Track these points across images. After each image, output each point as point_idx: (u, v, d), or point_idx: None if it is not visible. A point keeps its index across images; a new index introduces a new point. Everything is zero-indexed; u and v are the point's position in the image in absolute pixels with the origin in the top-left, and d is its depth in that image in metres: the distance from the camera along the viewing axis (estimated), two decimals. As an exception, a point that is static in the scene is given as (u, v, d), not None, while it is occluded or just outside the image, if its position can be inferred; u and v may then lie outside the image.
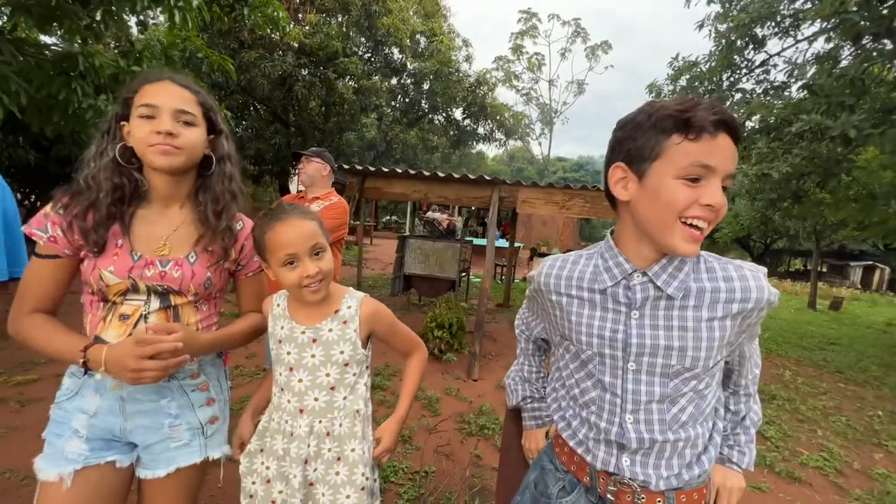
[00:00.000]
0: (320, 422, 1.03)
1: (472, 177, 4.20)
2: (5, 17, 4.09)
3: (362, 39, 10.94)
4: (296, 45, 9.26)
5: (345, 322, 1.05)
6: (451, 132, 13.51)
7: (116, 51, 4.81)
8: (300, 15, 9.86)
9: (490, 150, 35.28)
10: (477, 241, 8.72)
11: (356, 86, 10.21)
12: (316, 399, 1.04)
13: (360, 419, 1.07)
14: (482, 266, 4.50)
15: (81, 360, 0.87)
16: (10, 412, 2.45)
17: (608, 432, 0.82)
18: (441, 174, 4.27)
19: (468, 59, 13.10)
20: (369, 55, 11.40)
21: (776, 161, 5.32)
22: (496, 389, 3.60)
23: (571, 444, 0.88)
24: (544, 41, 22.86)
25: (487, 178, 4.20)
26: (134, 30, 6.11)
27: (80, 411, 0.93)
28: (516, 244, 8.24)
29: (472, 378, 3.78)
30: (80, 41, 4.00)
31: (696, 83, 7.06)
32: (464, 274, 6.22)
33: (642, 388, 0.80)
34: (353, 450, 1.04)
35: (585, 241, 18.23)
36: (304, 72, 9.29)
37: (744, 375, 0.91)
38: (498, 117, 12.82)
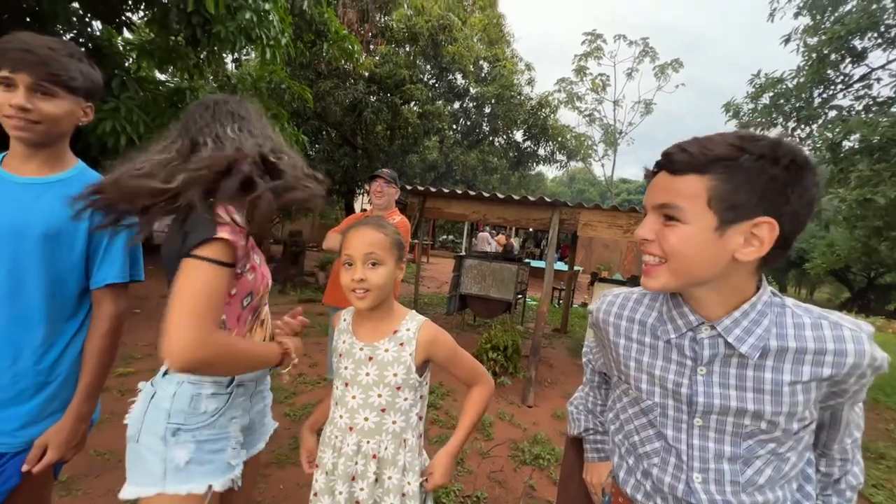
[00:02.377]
0: (368, 442, 1.03)
1: (531, 198, 4.18)
2: (132, 60, 4.82)
3: (428, 67, 11.46)
4: (366, 73, 9.92)
5: (401, 344, 1.05)
6: (511, 154, 13.55)
7: (215, 84, 5.47)
8: (372, 46, 10.57)
9: (550, 172, 34.84)
10: (534, 263, 8.57)
11: (420, 110, 10.66)
12: (366, 419, 1.04)
13: (406, 449, 1.05)
14: (539, 289, 4.40)
15: (281, 359, 1.01)
16: (113, 400, 2.78)
17: (674, 489, 0.74)
18: (500, 195, 4.29)
19: (530, 82, 13.21)
20: (434, 81, 11.89)
21: (881, 185, 4.72)
22: (552, 418, 3.46)
23: (639, 497, 0.80)
24: (609, 62, 22.37)
25: (548, 199, 4.15)
26: (230, 66, 6.90)
27: (233, 422, 0.98)
28: (575, 267, 7.97)
29: (527, 404, 3.67)
30: (187, 77, 4.60)
31: (782, 100, 6.52)
32: (520, 296, 6.12)
33: (710, 445, 0.72)
34: (389, 477, 1.02)
35: (651, 268, 17.01)
36: (373, 98, 9.89)
37: (838, 440, 0.77)
38: (559, 139, 12.68)
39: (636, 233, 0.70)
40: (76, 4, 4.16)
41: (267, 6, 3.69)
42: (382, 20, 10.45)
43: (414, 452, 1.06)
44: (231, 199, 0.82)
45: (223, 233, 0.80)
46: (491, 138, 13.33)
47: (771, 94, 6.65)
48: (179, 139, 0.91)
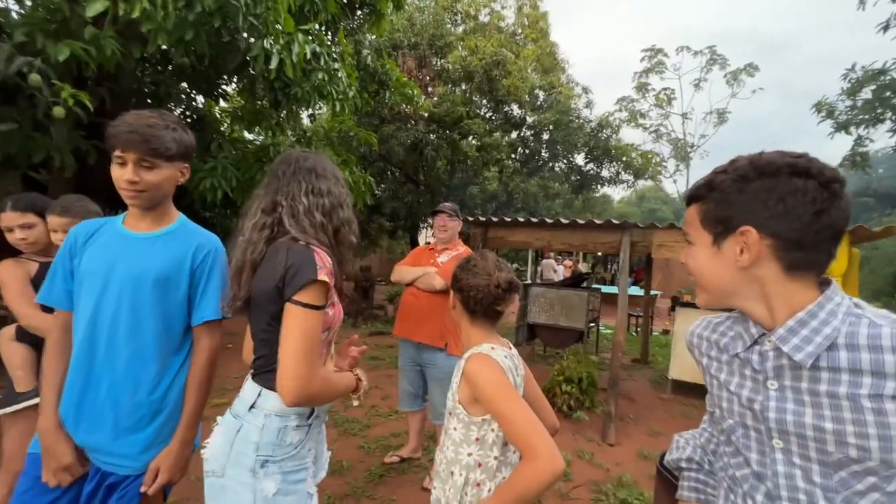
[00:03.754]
0: (446, 469, 1.06)
1: (598, 221, 4.03)
2: (226, 124, 5.55)
3: (484, 101, 11.80)
4: (426, 114, 10.45)
5: (460, 370, 1.06)
6: (574, 177, 13.27)
7: (293, 138, 6.09)
8: (430, 88, 11.18)
9: (616, 193, 33.43)
10: (606, 289, 8.13)
11: (479, 143, 10.93)
12: (448, 447, 1.06)
13: (449, 485, 1.04)
14: (613, 316, 4.15)
15: (356, 385, 1.11)
16: (209, 429, 3.04)
17: None
18: (564, 220, 4.19)
19: (588, 105, 13.00)
20: (490, 114, 12.19)
21: None
22: (638, 458, 3.15)
23: None
24: (673, 75, 21.40)
25: (616, 221, 3.97)
26: (305, 121, 7.67)
27: (310, 452, 1.06)
28: (652, 292, 7.41)
29: (608, 442, 3.39)
30: (271, 135, 5.17)
31: (888, 92, 5.75)
32: (592, 324, 5.80)
33: (797, 472, 0.66)
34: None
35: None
36: (433, 136, 10.34)
37: None
38: (624, 158, 12.22)
39: (680, 258, 0.81)
40: (184, 84, 4.94)
41: (336, 65, 4.09)
42: (439, 63, 11.06)
43: (457, 489, 1.02)
44: (322, 245, 1.00)
45: (323, 275, 0.92)
46: (551, 164, 13.20)
47: (873, 86, 5.90)
48: (265, 197, 1.06)
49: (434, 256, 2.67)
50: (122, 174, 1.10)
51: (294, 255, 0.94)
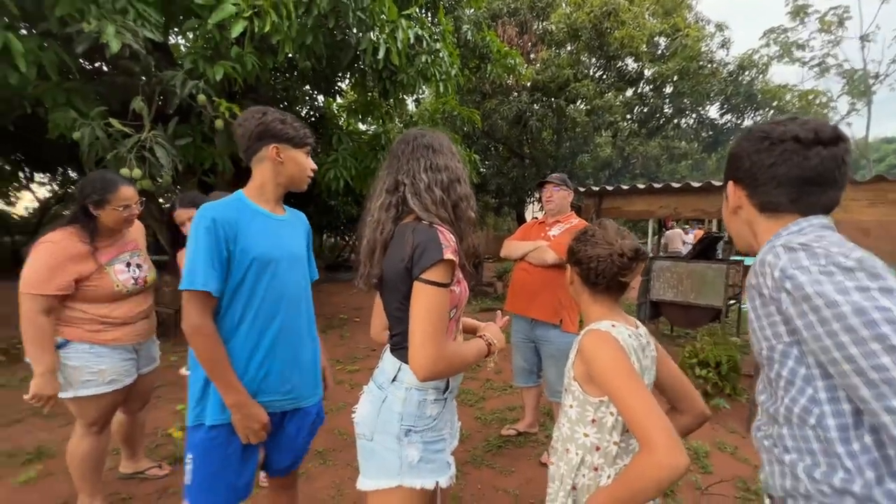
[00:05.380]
0: (562, 446, 1.04)
1: (740, 182, 3.43)
2: (343, 118, 6.05)
3: (593, 60, 10.81)
4: (528, 83, 9.99)
5: (576, 345, 1.01)
6: (705, 134, 11.50)
7: (401, 124, 6.38)
8: (532, 55, 10.63)
9: (762, 147, 28.00)
10: (750, 261, 6.96)
11: (588, 107, 10.10)
12: (564, 424, 1.04)
13: (564, 462, 1.00)
14: (762, 292, 3.53)
15: (487, 350, 1.12)
16: (345, 392, 3.45)
17: None
18: (695, 183, 3.67)
19: (724, 44, 10.99)
20: (601, 73, 11.13)
21: None
22: (797, 458, 2.69)
23: None
24: (847, -12, 16.80)
25: (765, 180, 3.33)
26: (411, 106, 7.96)
27: (447, 424, 1.11)
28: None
29: (756, 436, 2.95)
30: (381, 124, 5.50)
31: None
32: (733, 301, 5.04)
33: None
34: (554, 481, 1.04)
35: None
36: (537, 106, 9.87)
37: None
38: (775, 103, 10.13)
39: None
40: (307, 87, 5.50)
41: (438, 46, 4.12)
42: (541, 27, 10.40)
43: (570, 467, 0.98)
44: (443, 221, 1.02)
45: (449, 254, 0.94)
46: (675, 121, 11.60)
47: None
48: (387, 178, 1.10)
49: (545, 230, 2.57)
50: (309, 163, 1.36)
51: (419, 234, 0.96)
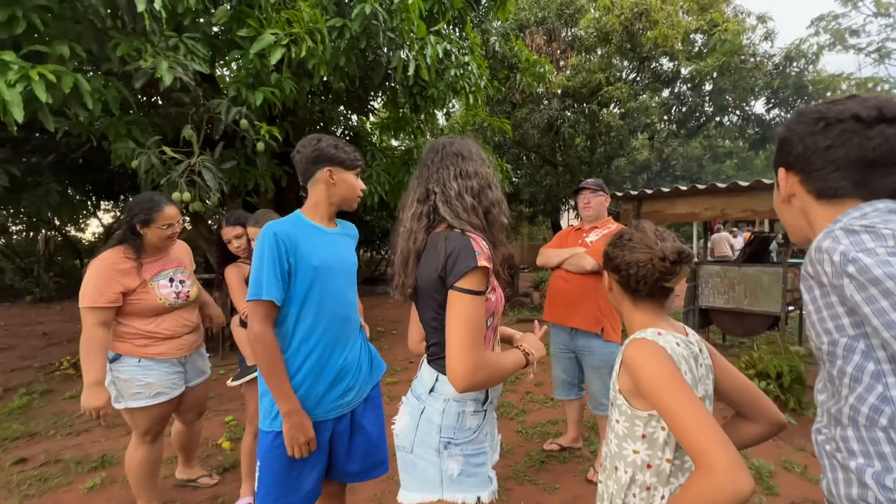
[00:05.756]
0: (610, 463, 0.97)
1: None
2: (375, 136, 6.21)
3: (625, 62, 10.57)
4: (559, 90, 9.89)
5: (620, 356, 0.94)
6: (751, 130, 10.90)
7: (432, 138, 6.48)
8: (561, 62, 10.54)
9: (816, 141, 26.16)
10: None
11: (622, 110, 9.85)
12: (612, 440, 0.98)
13: (613, 480, 0.93)
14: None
15: (525, 360, 1.08)
16: (384, 404, 3.46)
17: None
18: (743, 183, 3.46)
19: (768, 36, 10.44)
20: (634, 75, 10.86)
21: None
22: (879, 480, 2.41)
23: None
24: (905, -34, 15.60)
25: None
26: (441, 120, 8.07)
27: (487, 437, 1.09)
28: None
29: (828, 454, 2.68)
30: (412, 138, 5.60)
31: None
32: (793, 307, 4.68)
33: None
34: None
35: None
36: (569, 113, 9.73)
37: None
38: (828, 94, 9.47)
39: None
40: (342, 107, 5.71)
41: (466, 58, 4.17)
42: (569, 33, 10.31)
43: (620, 486, 0.91)
44: (476, 228, 1.01)
45: (483, 261, 0.92)
46: (717, 119, 11.08)
47: None
48: (418, 187, 1.10)
49: (581, 237, 2.50)
50: (359, 184, 1.46)
51: (452, 242, 0.95)
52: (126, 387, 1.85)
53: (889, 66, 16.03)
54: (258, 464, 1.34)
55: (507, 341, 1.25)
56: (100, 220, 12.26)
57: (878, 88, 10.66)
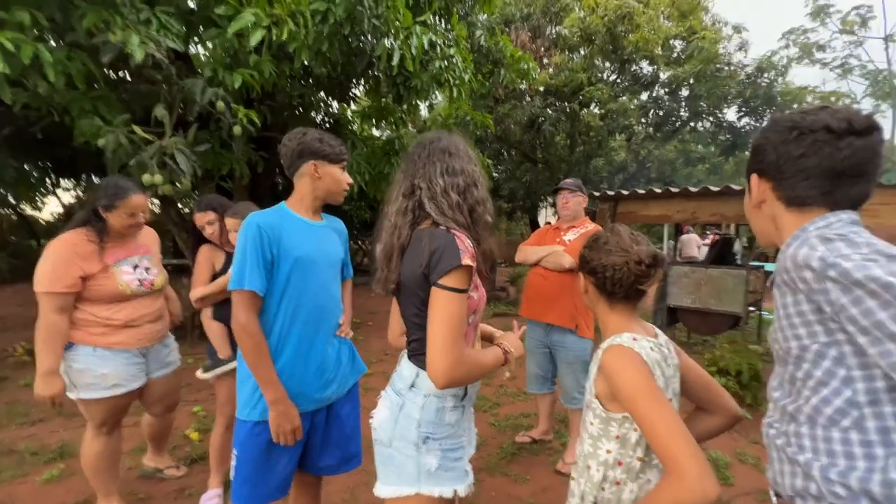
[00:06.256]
0: (583, 462, 1.00)
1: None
2: (357, 124, 6.11)
3: (607, 64, 10.73)
4: (541, 88, 9.97)
5: (596, 361, 0.97)
6: (723, 137, 11.30)
7: (414, 129, 6.42)
8: (545, 60, 10.60)
9: (782, 150, 27.38)
10: (771, 267, 6.77)
11: (602, 111, 10.03)
12: (585, 440, 1.00)
13: (585, 479, 0.96)
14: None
15: (504, 358, 1.09)
16: (360, 396, 3.46)
17: None
18: (714, 188, 3.60)
19: (742, 46, 10.81)
20: (615, 77, 11.05)
21: None
22: (824, 471, 2.59)
23: None
24: (870, -13, 16.41)
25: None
26: (423, 112, 8.00)
27: (464, 430, 1.11)
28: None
29: (780, 447, 2.86)
30: (394, 129, 5.53)
31: None
32: (753, 308, 4.92)
33: (777, 379, 0.87)
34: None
35: None
36: (550, 111, 9.82)
37: None
38: (795, 105, 9.92)
39: None
40: (322, 93, 5.57)
41: (451, 51, 4.14)
42: (554, 31, 10.38)
43: (593, 484, 0.94)
44: (460, 226, 1.01)
45: (466, 259, 0.93)
46: (692, 124, 11.44)
47: None
48: (404, 182, 1.10)
49: (559, 235, 2.55)
50: (345, 177, 1.45)
51: (437, 239, 0.96)
52: (79, 377, 1.75)
53: (850, 82, 16.93)
54: (235, 452, 1.34)
55: (488, 339, 1.26)
56: (59, 199, 11.61)
57: (840, 103, 11.25)
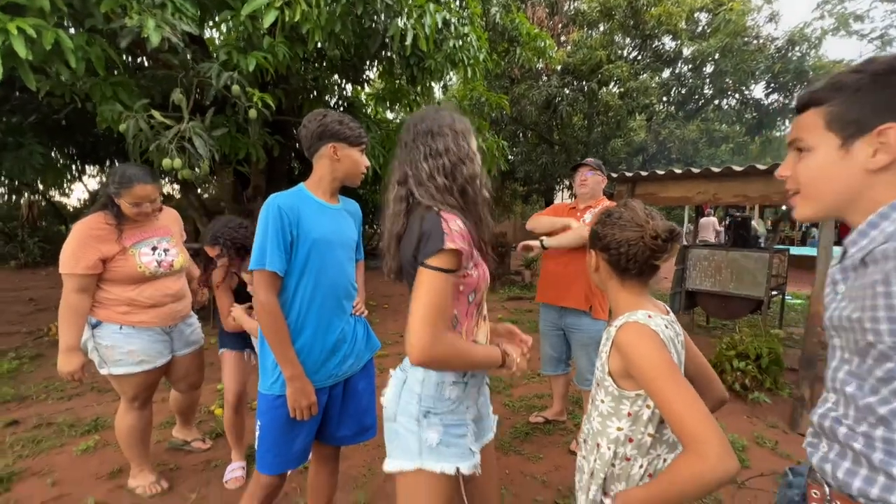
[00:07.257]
0: (592, 440, 1.00)
1: (787, 165, 3.21)
2: (371, 107, 6.07)
3: (627, 40, 10.35)
4: (559, 67, 9.68)
5: (609, 339, 0.95)
6: (748, 115, 10.85)
7: (429, 112, 6.34)
8: (562, 38, 10.27)
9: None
10: (795, 251, 6.57)
11: (621, 90, 9.71)
12: (595, 418, 1.00)
13: (595, 456, 0.96)
14: (804, 283, 3.34)
15: (501, 359, 1.06)
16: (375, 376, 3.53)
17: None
18: (737, 168, 3.47)
19: (772, 17, 10.27)
20: (635, 54, 10.66)
21: None
22: (844, 456, 2.55)
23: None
24: (916, -50, 15.29)
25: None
26: (437, 93, 7.88)
27: (469, 410, 1.09)
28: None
29: (798, 431, 2.82)
30: (408, 111, 5.47)
31: None
32: (776, 292, 4.80)
33: (843, 365, 0.71)
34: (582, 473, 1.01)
35: None
36: (567, 90, 9.56)
37: None
38: (827, 81, 9.43)
39: (776, 172, 0.77)
40: (336, 76, 5.54)
41: (466, 29, 4.05)
42: (572, 7, 10.02)
43: (604, 462, 0.95)
44: (452, 207, 1.01)
45: (450, 243, 0.92)
46: (716, 101, 11.00)
47: None
48: (398, 169, 1.09)
49: (576, 215, 2.51)
50: (363, 160, 1.47)
51: (425, 223, 0.96)
52: (108, 353, 1.84)
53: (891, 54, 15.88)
54: (258, 423, 1.41)
55: (505, 336, 1.22)
56: (85, 185, 11.95)
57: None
